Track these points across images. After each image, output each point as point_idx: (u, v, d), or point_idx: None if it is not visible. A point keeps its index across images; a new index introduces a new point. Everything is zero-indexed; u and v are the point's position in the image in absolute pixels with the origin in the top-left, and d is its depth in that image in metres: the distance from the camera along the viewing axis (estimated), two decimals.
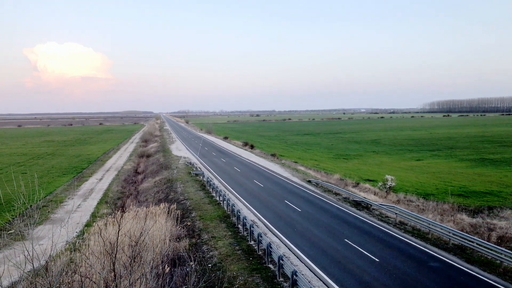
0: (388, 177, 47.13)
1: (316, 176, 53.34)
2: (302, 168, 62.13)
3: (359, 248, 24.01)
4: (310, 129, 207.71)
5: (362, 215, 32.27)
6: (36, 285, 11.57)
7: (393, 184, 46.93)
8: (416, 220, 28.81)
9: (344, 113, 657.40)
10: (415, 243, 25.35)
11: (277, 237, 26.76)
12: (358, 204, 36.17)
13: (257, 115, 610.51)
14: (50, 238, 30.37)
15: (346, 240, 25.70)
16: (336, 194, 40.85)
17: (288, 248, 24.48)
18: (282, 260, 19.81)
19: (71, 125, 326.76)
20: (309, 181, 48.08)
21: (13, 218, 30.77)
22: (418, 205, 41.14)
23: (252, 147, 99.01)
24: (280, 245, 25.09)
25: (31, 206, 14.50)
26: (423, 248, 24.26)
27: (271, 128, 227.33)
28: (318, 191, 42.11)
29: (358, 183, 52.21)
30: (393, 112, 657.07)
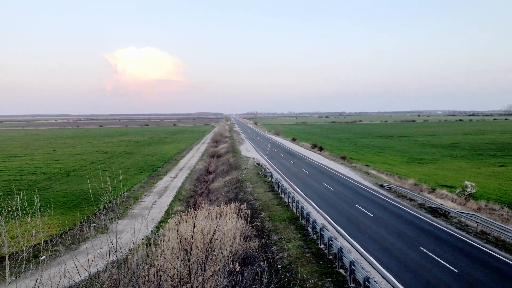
0: (468, 183, 44.20)
1: (388, 181, 51.49)
2: (374, 172, 60.27)
3: (436, 257, 22.75)
4: (382, 132, 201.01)
5: (438, 223, 30.57)
6: (119, 276, 12.26)
7: (473, 191, 43.93)
8: (500, 231, 26.71)
9: (418, 115, 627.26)
10: (499, 255, 23.50)
11: (348, 241, 26.17)
12: (434, 211, 34.33)
13: (326, 117, 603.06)
14: (128, 232, 32.31)
15: (421, 248, 24.48)
16: (411, 199, 39.10)
17: (359, 253, 23.83)
18: (354, 265, 19.31)
19: (147, 125, 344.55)
20: (382, 186, 46.50)
21: (96, 212, 32.93)
22: (502, 214, 38.14)
23: (321, 149, 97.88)
24: (351, 250, 24.50)
25: (110, 201, 15.41)
26: (508, 261, 22.43)
27: (340, 130, 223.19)
28: (391, 196, 40.59)
29: (434, 189, 49.59)
30: (473, 115, 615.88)
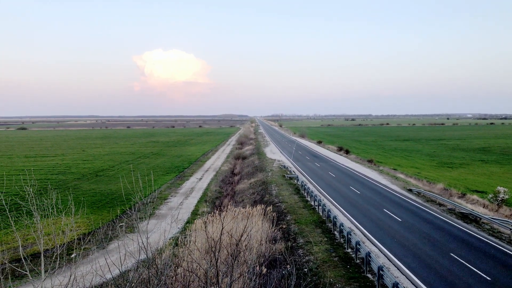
0: (501, 188, 42.83)
1: (417, 185, 50.47)
2: (402, 176, 59.20)
3: (467, 264, 22.11)
4: (410, 135, 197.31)
5: (469, 229, 29.72)
6: (149, 275, 12.41)
7: (506, 196, 42.56)
8: None
9: (447, 119, 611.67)
10: None
11: (376, 246, 25.75)
12: (465, 217, 33.40)
13: (352, 119, 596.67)
14: (156, 232, 32.72)
15: (451, 254, 23.85)
16: (440, 204, 38.18)
17: (388, 258, 23.41)
18: (382, 270, 18.98)
19: (173, 127, 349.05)
20: (410, 190, 45.60)
21: (126, 211, 33.49)
22: None
23: (347, 152, 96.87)
24: (379, 254, 24.09)
25: (141, 200, 15.63)
26: None
27: (367, 133, 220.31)
28: (419, 201, 39.76)
29: (464, 194, 48.31)
30: (505, 118, 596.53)
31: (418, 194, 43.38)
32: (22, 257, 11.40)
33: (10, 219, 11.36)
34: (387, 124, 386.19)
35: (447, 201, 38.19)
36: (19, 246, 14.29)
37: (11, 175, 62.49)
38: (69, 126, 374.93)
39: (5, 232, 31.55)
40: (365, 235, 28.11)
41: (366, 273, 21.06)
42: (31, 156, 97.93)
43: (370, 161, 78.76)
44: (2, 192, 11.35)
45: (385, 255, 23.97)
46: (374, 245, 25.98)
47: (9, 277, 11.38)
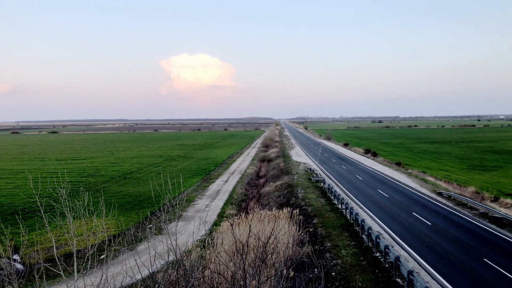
0: None
1: (447, 188, 49.24)
2: (431, 179, 57.87)
3: (502, 270, 21.37)
4: (439, 137, 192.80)
5: (504, 234, 28.74)
6: (178, 277, 12.52)
7: None
8: None
9: (478, 120, 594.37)
10: None
11: (405, 250, 25.24)
12: (499, 221, 32.32)
13: (380, 121, 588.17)
14: (183, 233, 32.94)
15: (485, 259, 23.12)
16: (472, 208, 37.11)
17: (417, 263, 22.90)
18: (412, 275, 18.57)
19: (199, 130, 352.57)
20: (440, 193, 44.52)
21: (155, 212, 33.96)
22: None
23: (374, 154, 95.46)
24: (409, 259, 23.60)
25: (170, 201, 15.80)
26: None
27: (395, 135, 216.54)
28: (450, 204, 38.76)
29: (497, 198, 46.77)
30: None
31: (448, 197, 42.32)
32: (56, 257, 11.71)
33: (45, 220, 11.69)
34: (415, 126, 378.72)
35: (479, 205, 37.08)
36: (52, 246, 14.69)
37: (44, 177, 64.30)
38: (98, 130, 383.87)
39: (39, 233, 32.46)
40: (393, 239, 27.59)
41: (396, 278, 20.65)
42: (62, 159, 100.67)
43: (398, 164, 77.39)
44: (36, 194, 11.68)
45: (414, 260, 23.46)
46: (403, 249, 25.48)
47: (44, 277, 11.67)
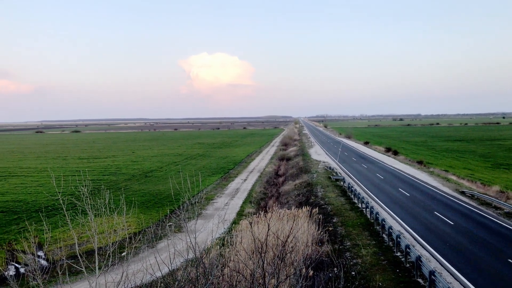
0: None
1: (470, 187, 48.24)
2: (454, 178, 56.79)
3: None
4: (462, 135, 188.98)
5: None
6: (197, 275, 12.60)
7: None
8: None
9: (503, 117, 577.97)
10: None
11: (426, 250, 24.84)
12: None
13: (401, 119, 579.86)
14: (202, 231, 33.15)
15: (510, 260, 22.56)
16: (496, 208, 36.26)
17: (439, 263, 22.50)
18: (434, 275, 18.25)
19: (219, 129, 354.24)
20: (463, 192, 43.64)
21: (175, 210, 34.26)
22: None
23: (395, 153, 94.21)
24: (430, 259, 23.21)
25: (189, 199, 15.91)
26: None
27: (416, 133, 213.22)
28: (473, 204, 37.96)
29: None
30: None
31: (472, 196, 41.45)
32: (78, 254, 11.92)
33: (67, 217, 11.91)
34: (437, 124, 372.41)
35: (504, 204, 36.18)
36: (75, 243, 14.96)
37: (66, 176, 65.24)
38: (119, 129, 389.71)
39: (62, 230, 33.17)
40: (415, 239, 27.19)
41: (417, 278, 20.35)
42: (84, 158, 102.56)
43: (419, 162, 76.19)
44: (59, 192, 11.91)
45: (436, 260, 23.06)
46: (424, 249, 25.08)
47: (67, 273, 11.90)
